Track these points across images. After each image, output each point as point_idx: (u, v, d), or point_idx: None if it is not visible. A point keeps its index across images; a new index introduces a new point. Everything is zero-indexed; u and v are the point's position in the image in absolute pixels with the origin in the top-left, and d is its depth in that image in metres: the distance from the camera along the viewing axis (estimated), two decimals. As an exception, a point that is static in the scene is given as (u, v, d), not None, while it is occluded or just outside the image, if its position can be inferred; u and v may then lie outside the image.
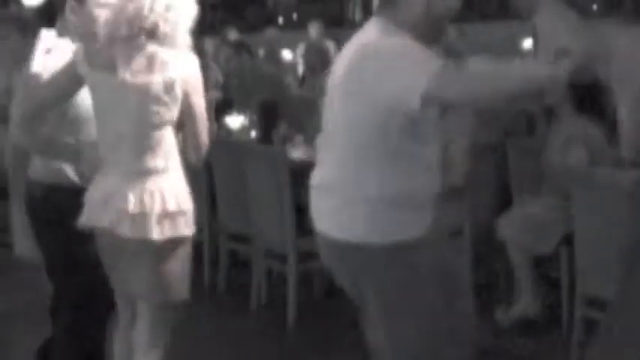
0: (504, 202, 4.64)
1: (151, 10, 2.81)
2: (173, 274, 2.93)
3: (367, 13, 10.77)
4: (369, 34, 2.53)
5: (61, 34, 3.17)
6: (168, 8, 2.83)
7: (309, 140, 4.41)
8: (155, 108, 2.83)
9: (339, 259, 2.60)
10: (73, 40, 3.05)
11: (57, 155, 3.06)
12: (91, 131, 2.98)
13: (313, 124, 3.82)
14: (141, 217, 2.85)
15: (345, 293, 2.77)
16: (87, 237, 2.92)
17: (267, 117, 5.45)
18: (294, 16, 15.47)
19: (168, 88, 2.83)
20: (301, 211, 4.42)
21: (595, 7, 18.23)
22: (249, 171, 4.70)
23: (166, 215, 2.87)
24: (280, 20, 15.54)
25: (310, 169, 2.82)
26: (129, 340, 3.09)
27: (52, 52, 3.08)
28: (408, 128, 2.41)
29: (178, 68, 2.85)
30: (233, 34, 9.89)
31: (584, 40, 2.30)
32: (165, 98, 2.84)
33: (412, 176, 2.48)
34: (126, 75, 2.81)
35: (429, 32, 2.54)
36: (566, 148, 4.14)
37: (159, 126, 2.86)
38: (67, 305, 3.19)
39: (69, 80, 2.94)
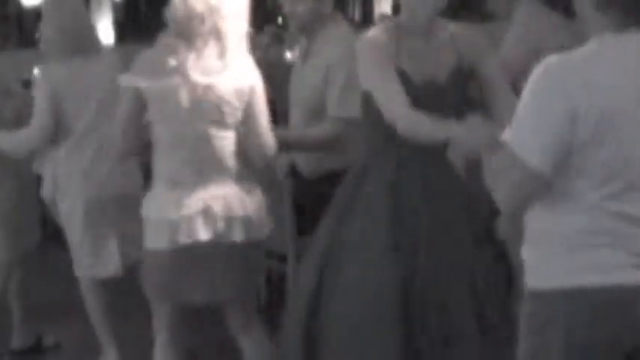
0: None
1: (218, 10, 2.82)
2: (261, 272, 3.28)
3: (367, 12, 10.79)
4: None
5: None
6: (233, 9, 2.86)
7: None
8: (227, 109, 2.88)
9: None
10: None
11: None
12: None
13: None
14: (247, 220, 2.97)
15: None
16: None
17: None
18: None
19: (238, 92, 2.88)
20: (301, 211, 4.42)
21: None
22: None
23: (262, 212, 3.08)
24: (280, 20, 15.54)
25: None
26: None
27: None
28: None
29: (246, 72, 2.91)
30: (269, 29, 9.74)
31: (562, 40, 2.29)
32: (235, 101, 2.89)
33: None
34: (197, 76, 2.83)
35: None
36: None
37: (230, 127, 2.92)
38: None
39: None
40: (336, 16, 3.86)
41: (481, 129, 2.30)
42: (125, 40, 15.30)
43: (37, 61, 9.25)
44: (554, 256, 2.15)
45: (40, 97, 3.98)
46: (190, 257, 2.96)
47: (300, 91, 3.78)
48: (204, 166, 2.92)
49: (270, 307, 4.79)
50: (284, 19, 16.00)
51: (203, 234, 2.91)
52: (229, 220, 2.94)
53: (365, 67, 2.94)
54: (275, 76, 7.28)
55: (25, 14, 15.50)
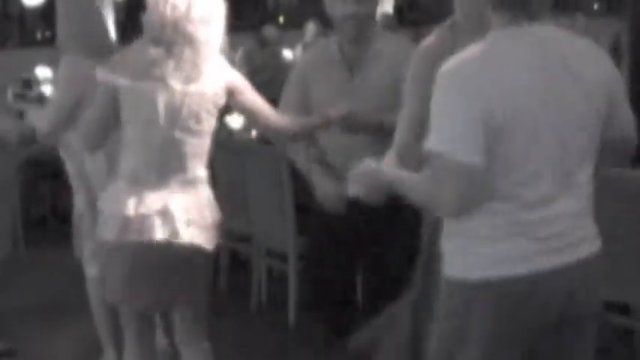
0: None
1: (188, 16, 2.81)
2: (209, 279, 3.05)
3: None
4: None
5: None
6: (204, 15, 2.84)
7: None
8: (204, 116, 2.89)
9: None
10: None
11: None
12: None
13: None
14: (202, 227, 2.91)
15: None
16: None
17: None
18: (295, 15, 15.52)
19: (216, 96, 2.89)
20: (301, 210, 4.42)
21: (596, 6, 18.24)
22: (250, 170, 4.70)
23: (216, 223, 2.97)
24: (281, 20, 15.58)
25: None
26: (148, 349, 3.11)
27: None
28: None
29: (219, 74, 2.90)
30: (269, 31, 9.62)
31: None
32: (212, 108, 2.90)
33: None
34: (176, 83, 2.84)
35: None
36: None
37: (203, 135, 2.91)
38: None
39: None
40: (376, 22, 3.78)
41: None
42: (127, 39, 15.33)
43: (38, 60, 9.28)
44: (469, 248, 2.23)
45: (59, 89, 3.94)
46: (139, 257, 2.90)
47: (363, 98, 3.38)
48: (166, 170, 2.90)
49: (271, 306, 4.79)
50: (285, 18, 15.99)
51: (158, 233, 2.86)
52: (187, 222, 2.90)
53: (407, 83, 2.89)
54: (259, 81, 7.23)
55: (27, 14, 15.51)
